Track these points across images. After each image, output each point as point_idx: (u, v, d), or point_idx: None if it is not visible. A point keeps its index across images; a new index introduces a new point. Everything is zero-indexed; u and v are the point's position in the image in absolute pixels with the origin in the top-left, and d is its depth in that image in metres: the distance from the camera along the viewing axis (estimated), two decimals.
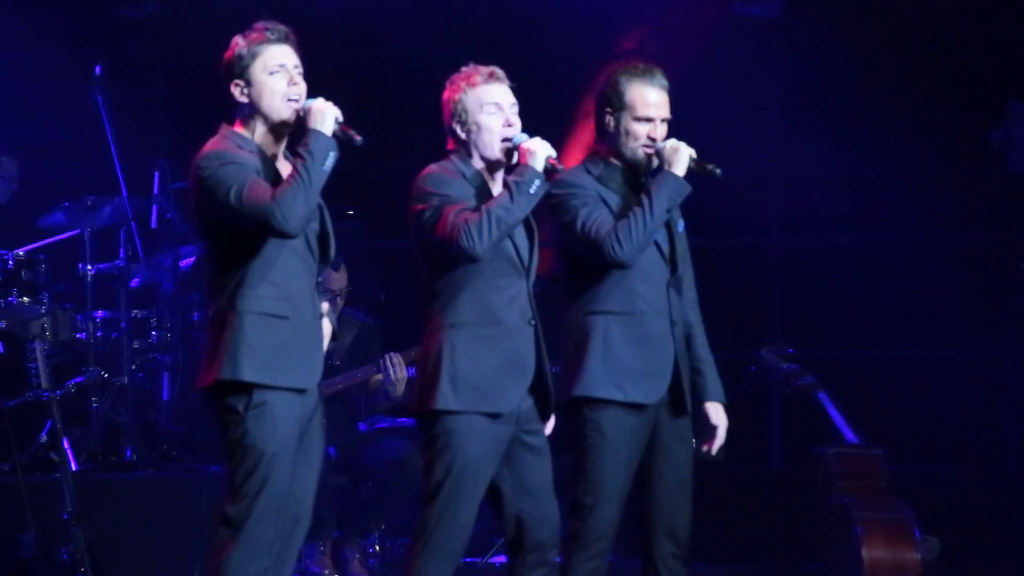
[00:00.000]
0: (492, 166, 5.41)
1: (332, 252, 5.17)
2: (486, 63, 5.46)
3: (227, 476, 5.07)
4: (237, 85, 5.07)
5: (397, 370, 7.58)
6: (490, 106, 5.36)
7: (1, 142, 9.12)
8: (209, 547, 5.10)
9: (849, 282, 9.86)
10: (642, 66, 5.70)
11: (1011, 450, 9.70)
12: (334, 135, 5.00)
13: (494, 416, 5.33)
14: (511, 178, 5.31)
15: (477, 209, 5.28)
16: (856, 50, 9.78)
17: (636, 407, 5.61)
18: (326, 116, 4.99)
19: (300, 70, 5.09)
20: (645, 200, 5.58)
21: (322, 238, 5.15)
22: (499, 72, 5.41)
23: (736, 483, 8.89)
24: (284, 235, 4.94)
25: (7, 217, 9.06)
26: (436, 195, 5.32)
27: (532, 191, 5.27)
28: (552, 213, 5.65)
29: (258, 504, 4.98)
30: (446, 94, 5.43)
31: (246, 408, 4.99)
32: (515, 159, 5.37)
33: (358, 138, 5.03)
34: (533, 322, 5.42)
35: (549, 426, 5.53)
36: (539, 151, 5.31)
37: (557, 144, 5.40)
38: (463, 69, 5.44)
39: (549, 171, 5.32)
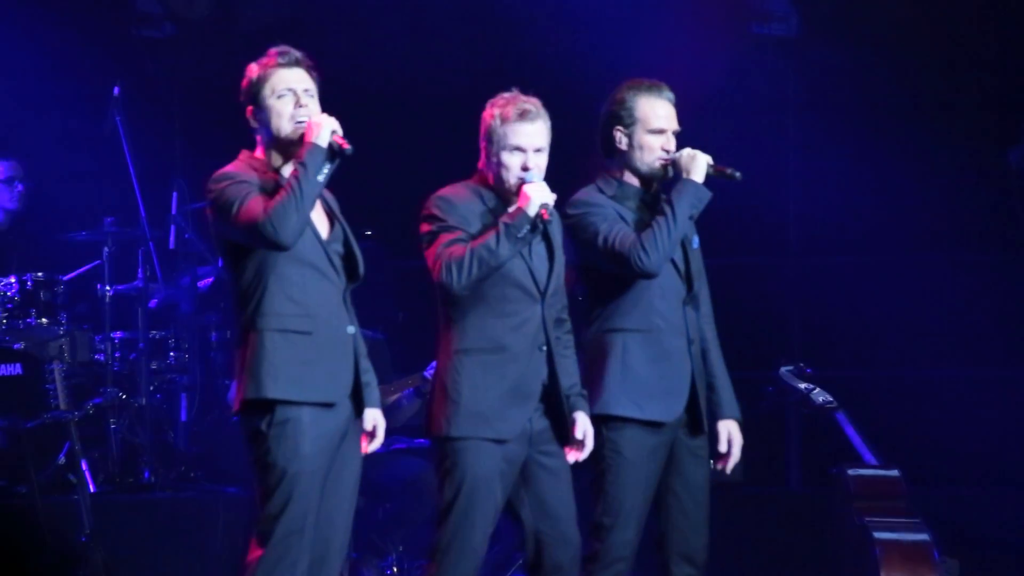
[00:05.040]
0: (507, 195, 5.44)
1: (361, 271, 5.21)
2: (507, 86, 5.48)
3: (257, 495, 5.09)
4: (251, 110, 5.17)
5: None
6: (512, 146, 5.40)
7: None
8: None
9: (867, 301, 9.83)
10: (647, 81, 5.74)
11: None
12: (329, 146, 5.05)
13: (498, 441, 5.34)
14: (503, 219, 5.35)
15: (471, 241, 5.32)
16: (873, 69, 9.77)
17: (654, 425, 5.61)
18: (322, 128, 5.07)
19: (311, 93, 5.15)
20: (667, 208, 5.59)
21: (348, 259, 5.20)
22: (533, 111, 5.42)
23: (754, 504, 8.86)
24: (278, 246, 4.99)
25: (25, 233, 9.05)
26: (437, 219, 5.39)
27: (519, 236, 5.32)
28: (569, 234, 5.67)
29: (281, 523, 5.00)
30: (485, 113, 5.47)
31: (268, 426, 5.02)
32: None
33: (348, 147, 5.08)
34: (544, 347, 5.43)
35: (587, 451, 5.51)
36: (535, 198, 5.35)
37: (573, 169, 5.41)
38: (504, 95, 5.47)
39: (538, 220, 5.34)
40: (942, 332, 9.72)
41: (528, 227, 5.33)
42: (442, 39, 9.85)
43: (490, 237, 5.32)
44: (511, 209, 5.38)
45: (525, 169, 5.39)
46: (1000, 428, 9.63)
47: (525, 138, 5.40)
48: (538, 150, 5.42)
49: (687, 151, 5.69)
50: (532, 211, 5.34)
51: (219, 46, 9.43)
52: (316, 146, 5.05)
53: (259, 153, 5.18)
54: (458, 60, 9.63)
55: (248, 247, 5.06)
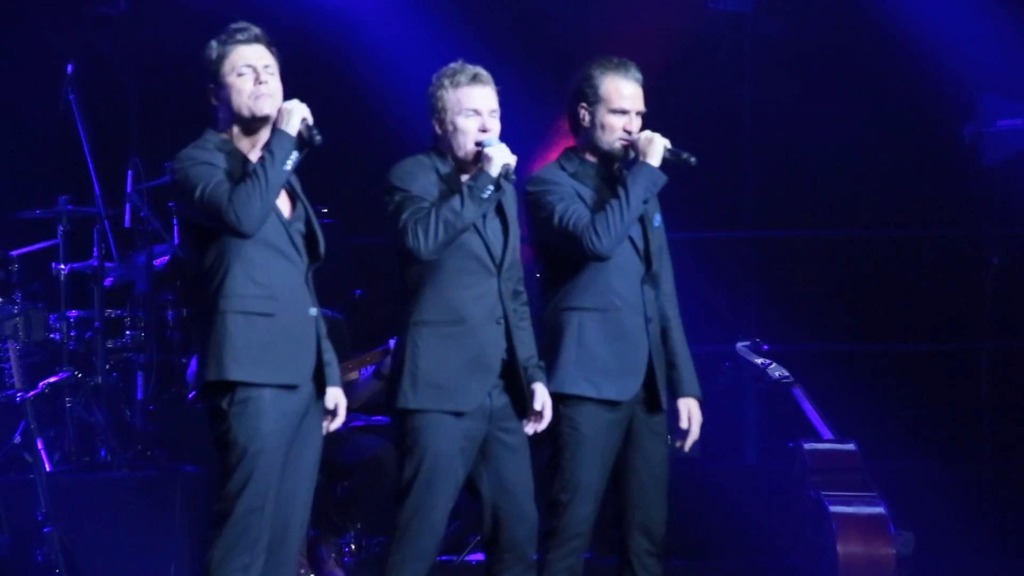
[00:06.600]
0: (465, 165, 5.44)
1: (322, 251, 5.19)
2: (468, 59, 5.49)
3: (218, 473, 5.09)
4: (210, 88, 5.13)
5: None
6: (468, 110, 5.41)
7: None
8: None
9: (823, 277, 9.87)
10: (616, 60, 5.75)
11: (984, 444, 9.73)
12: (299, 135, 5.03)
13: (458, 414, 5.35)
14: (466, 182, 5.36)
15: (433, 209, 5.31)
16: (828, 44, 9.80)
17: (611, 404, 5.63)
18: (292, 115, 5.04)
19: (271, 69, 5.11)
20: (621, 191, 5.61)
21: (309, 239, 5.18)
22: (484, 75, 5.45)
23: (711, 478, 8.89)
24: (240, 233, 4.97)
25: None
26: (398, 190, 5.40)
27: (484, 196, 5.34)
28: (528, 210, 5.68)
29: (241, 501, 4.99)
30: (431, 88, 5.48)
31: (230, 405, 5.01)
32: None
33: (318, 137, 5.06)
34: (502, 321, 5.44)
35: (545, 421, 5.53)
36: (496, 158, 5.36)
37: (534, 141, 5.42)
38: (451, 65, 5.48)
39: (503, 178, 5.36)
40: (897, 307, 9.76)
41: (492, 187, 5.34)
42: (398, 13, 9.82)
43: (454, 200, 5.33)
44: (472, 172, 5.39)
45: (483, 131, 5.41)
46: (955, 402, 9.69)
47: (480, 100, 5.42)
48: (492, 112, 5.44)
49: (645, 134, 5.70)
50: (494, 172, 5.35)
51: (174, 23, 9.36)
52: (284, 134, 5.02)
53: (221, 132, 5.12)
54: (414, 35, 9.61)
55: (211, 228, 5.02)
